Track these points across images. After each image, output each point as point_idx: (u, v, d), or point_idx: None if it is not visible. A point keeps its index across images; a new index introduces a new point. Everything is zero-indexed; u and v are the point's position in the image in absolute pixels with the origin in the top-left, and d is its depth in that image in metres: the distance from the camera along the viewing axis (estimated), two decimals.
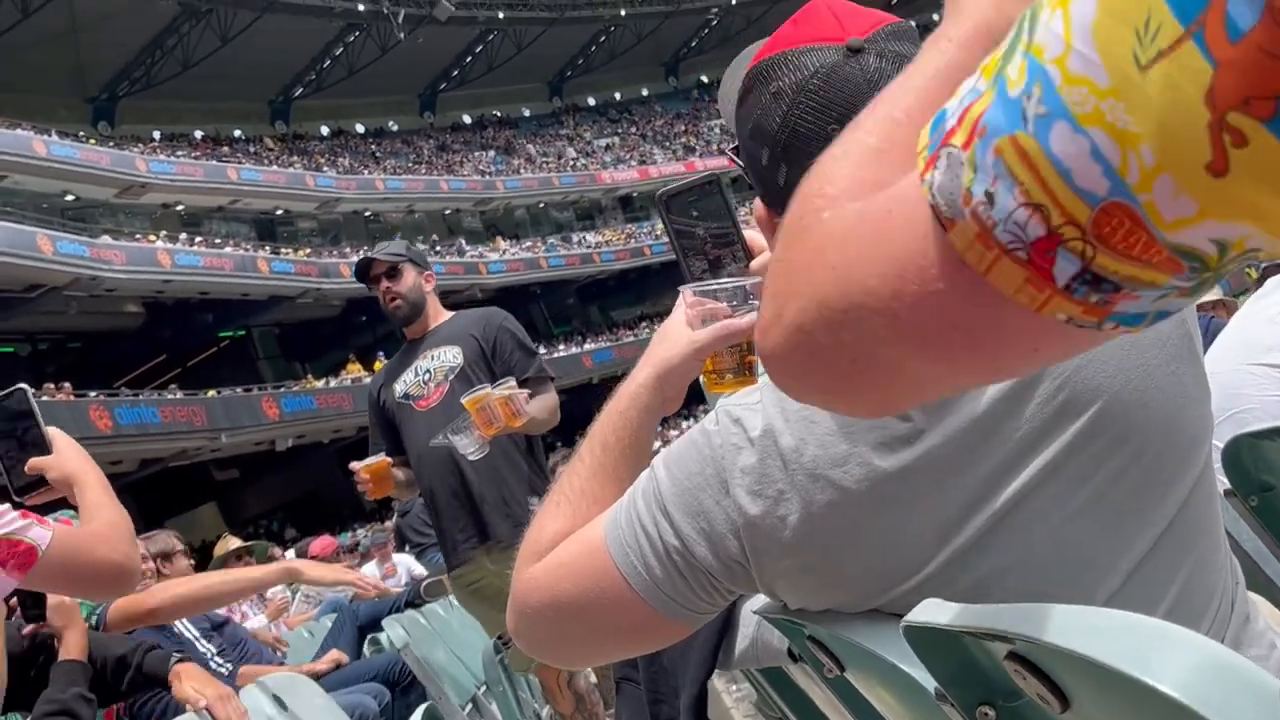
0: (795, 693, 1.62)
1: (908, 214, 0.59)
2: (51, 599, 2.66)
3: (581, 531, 1.29)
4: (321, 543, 9.93)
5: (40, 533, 1.76)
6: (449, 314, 4.14)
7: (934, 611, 0.90)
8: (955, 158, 0.56)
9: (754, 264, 1.39)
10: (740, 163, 1.26)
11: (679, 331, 1.38)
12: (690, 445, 1.22)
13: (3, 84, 33.90)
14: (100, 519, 1.94)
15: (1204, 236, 0.51)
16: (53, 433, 2.04)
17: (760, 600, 1.30)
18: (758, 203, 1.23)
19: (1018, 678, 0.82)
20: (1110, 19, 0.50)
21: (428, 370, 3.94)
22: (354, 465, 3.86)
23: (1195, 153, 0.49)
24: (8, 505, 1.80)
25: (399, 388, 3.97)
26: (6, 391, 2.06)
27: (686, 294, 1.38)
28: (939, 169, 0.57)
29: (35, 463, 1.98)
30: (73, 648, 2.65)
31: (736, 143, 1.25)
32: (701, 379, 1.42)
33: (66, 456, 2.03)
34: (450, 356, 3.93)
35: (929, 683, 1.00)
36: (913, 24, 1.17)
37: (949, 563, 1.10)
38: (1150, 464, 1.09)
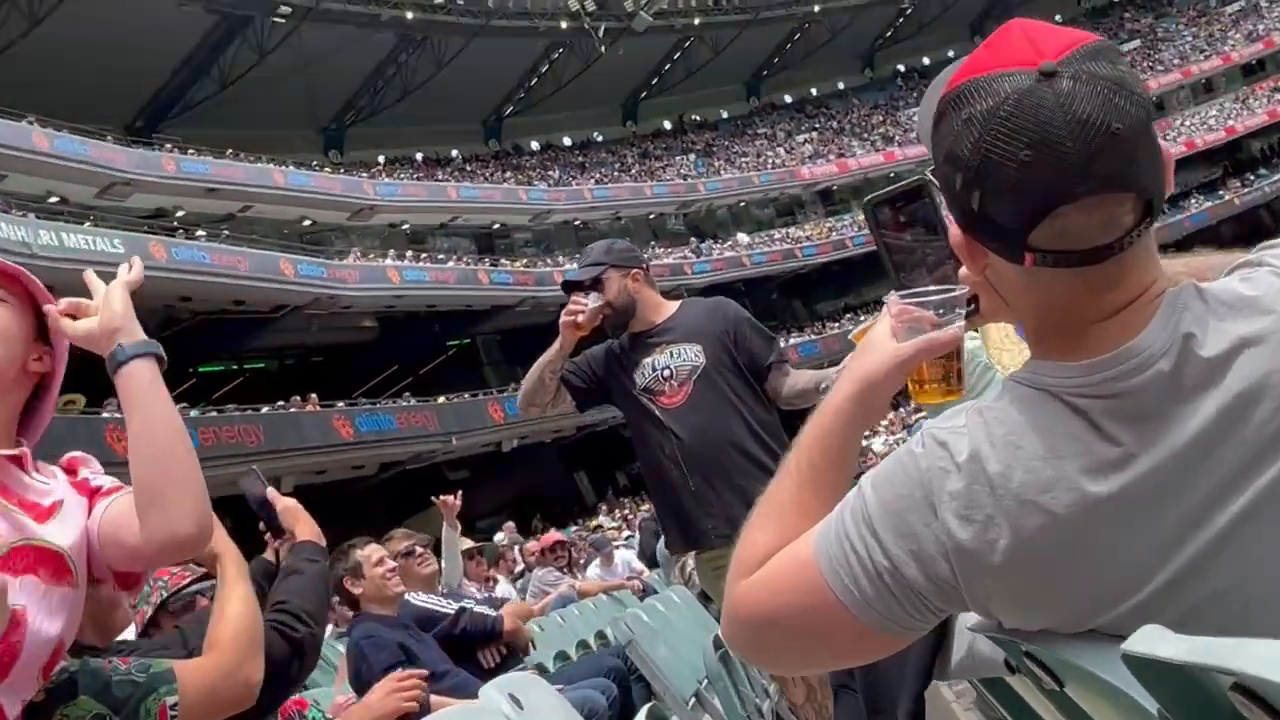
0: (1014, 698, 1.59)
1: None
2: (279, 505, 2.81)
3: (792, 546, 1.29)
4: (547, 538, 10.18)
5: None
6: (673, 305, 4.04)
7: (1154, 641, 0.87)
8: None
9: (963, 273, 1.35)
10: (937, 185, 1.24)
11: (883, 343, 1.34)
12: (897, 466, 1.21)
13: (244, 121, 35.98)
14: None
15: None
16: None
17: (973, 615, 1.27)
18: (954, 226, 1.21)
19: (1243, 709, 0.78)
20: None
21: (668, 367, 3.86)
22: (577, 299, 3.82)
23: None
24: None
25: (638, 378, 3.89)
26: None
27: (892, 302, 1.34)
28: None
29: None
30: (304, 534, 2.79)
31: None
32: (908, 386, 1.38)
33: None
34: (692, 355, 3.85)
35: (1151, 704, 0.97)
36: (1111, 42, 1.12)
37: (1166, 586, 1.06)
38: None
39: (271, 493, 2.85)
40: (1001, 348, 2.84)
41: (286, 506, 2.84)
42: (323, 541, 2.79)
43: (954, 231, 1.21)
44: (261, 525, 2.86)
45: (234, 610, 2.06)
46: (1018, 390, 1.18)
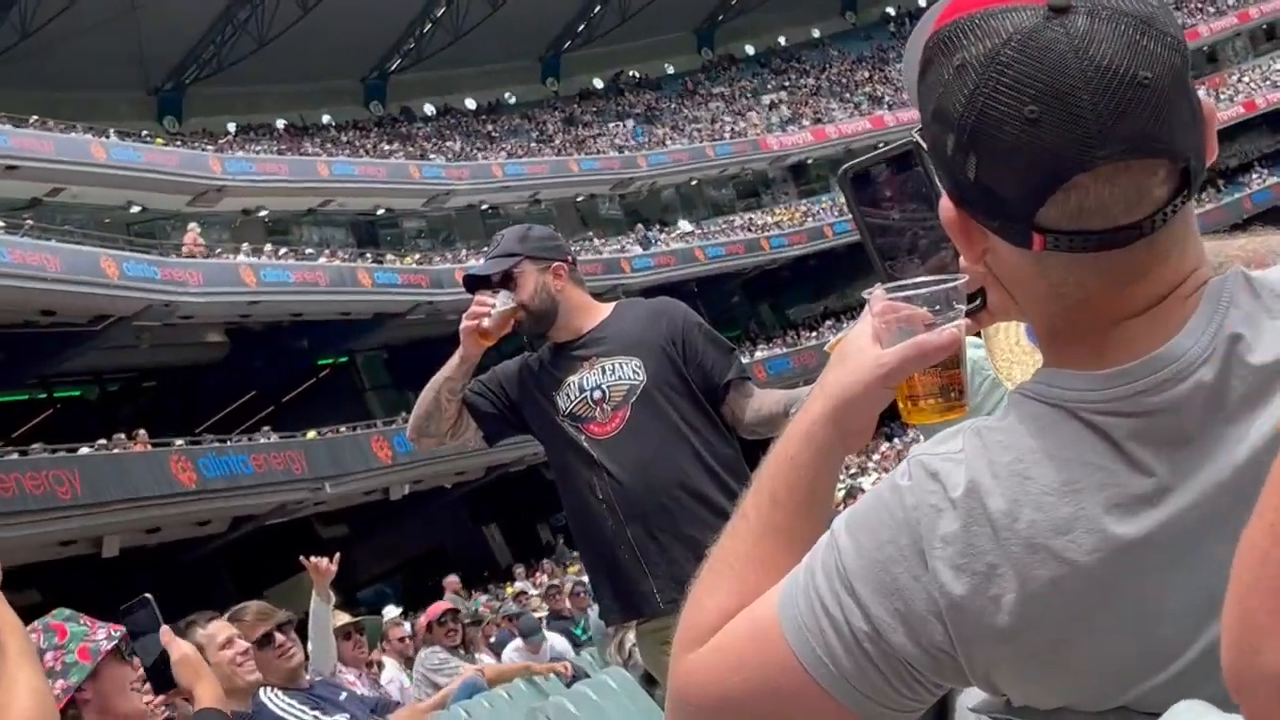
0: None
1: None
2: (174, 654, 2.79)
3: (751, 609, 1.30)
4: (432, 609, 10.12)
5: None
6: (606, 308, 4.08)
7: (1195, 718, 0.88)
8: None
9: (963, 261, 1.35)
10: (925, 149, 1.25)
11: (863, 349, 1.33)
12: (878, 505, 1.22)
13: (57, 80, 35.49)
14: None
15: None
16: None
17: (977, 693, 1.29)
18: (945, 201, 1.22)
19: None
20: None
21: (599, 387, 3.88)
22: (483, 298, 3.84)
23: None
24: None
25: (562, 401, 3.92)
26: None
27: (875, 298, 1.34)
28: None
29: None
30: (206, 698, 2.80)
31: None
32: (898, 404, 1.38)
33: None
34: (630, 371, 3.87)
35: None
36: None
37: (1210, 651, 1.07)
38: None
39: (166, 633, 2.81)
40: (1011, 359, 2.86)
41: (185, 656, 2.81)
42: (229, 708, 2.80)
43: (946, 208, 1.21)
44: (142, 673, 2.83)
45: (22, 704, 2.04)
46: (1026, 406, 1.19)
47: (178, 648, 2.82)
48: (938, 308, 1.30)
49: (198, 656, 2.85)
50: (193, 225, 32.88)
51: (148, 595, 2.89)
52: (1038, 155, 1.09)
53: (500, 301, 3.84)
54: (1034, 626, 1.12)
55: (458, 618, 9.81)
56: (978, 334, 2.30)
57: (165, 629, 2.82)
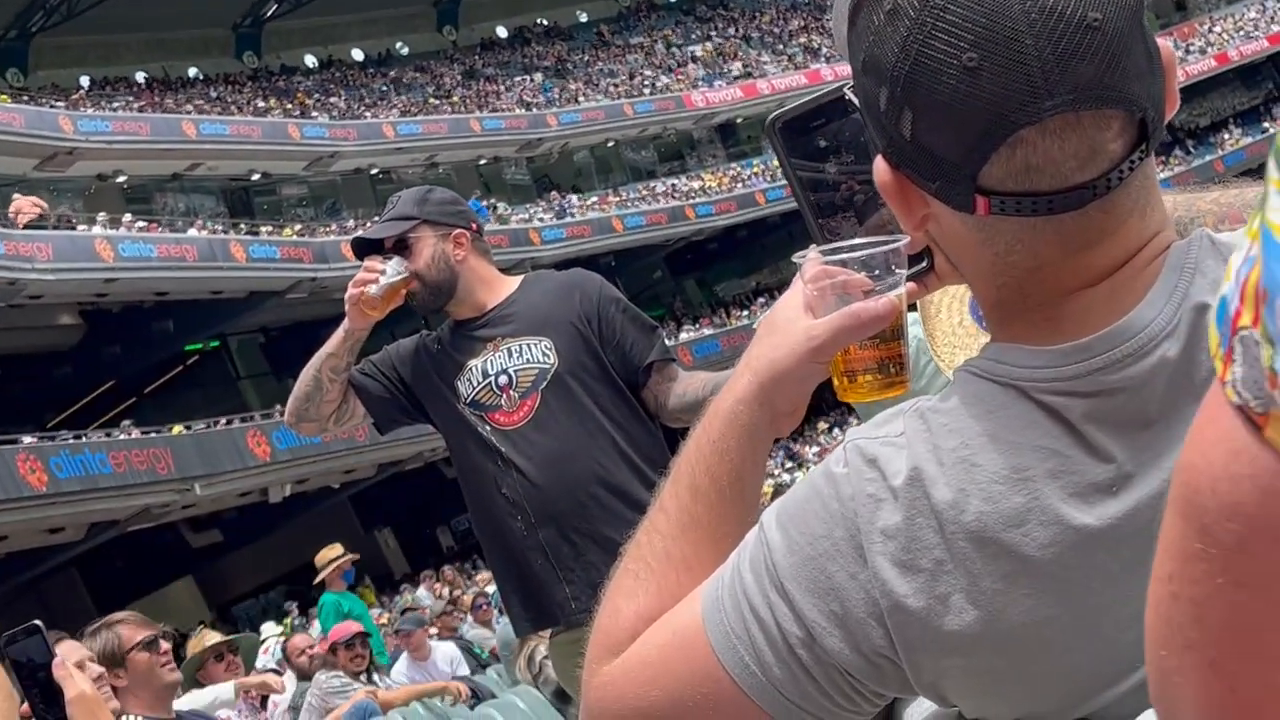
0: None
1: None
2: (70, 691, 2.76)
3: (671, 615, 1.30)
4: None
5: None
6: (513, 282, 4.06)
7: None
8: (1249, 340, 0.61)
9: (904, 228, 1.36)
10: (858, 105, 1.26)
11: (792, 320, 1.34)
12: (812, 495, 1.23)
13: None
14: None
15: None
16: None
17: (924, 705, 1.30)
18: (879, 162, 1.22)
19: None
20: None
21: (504, 371, 3.86)
22: (372, 264, 3.81)
23: None
24: None
25: (463, 387, 3.89)
26: None
27: (809, 261, 1.33)
28: (1237, 362, 0.62)
29: None
30: None
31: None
32: (833, 381, 1.38)
33: None
34: (539, 354, 3.85)
35: None
36: None
37: None
38: None
39: (60, 666, 2.77)
40: (954, 344, 2.84)
41: (82, 694, 2.76)
42: None
43: (881, 170, 1.22)
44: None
45: None
46: (973, 385, 1.19)
47: (74, 685, 2.76)
48: (877, 272, 1.30)
49: (96, 695, 2.80)
50: (16, 196, 32.19)
51: (37, 623, 2.84)
52: (979, 108, 1.09)
53: (390, 269, 3.80)
54: (985, 629, 1.13)
55: (367, 643, 9.70)
56: (913, 308, 2.30)
57: (59, 661, 2.77)
